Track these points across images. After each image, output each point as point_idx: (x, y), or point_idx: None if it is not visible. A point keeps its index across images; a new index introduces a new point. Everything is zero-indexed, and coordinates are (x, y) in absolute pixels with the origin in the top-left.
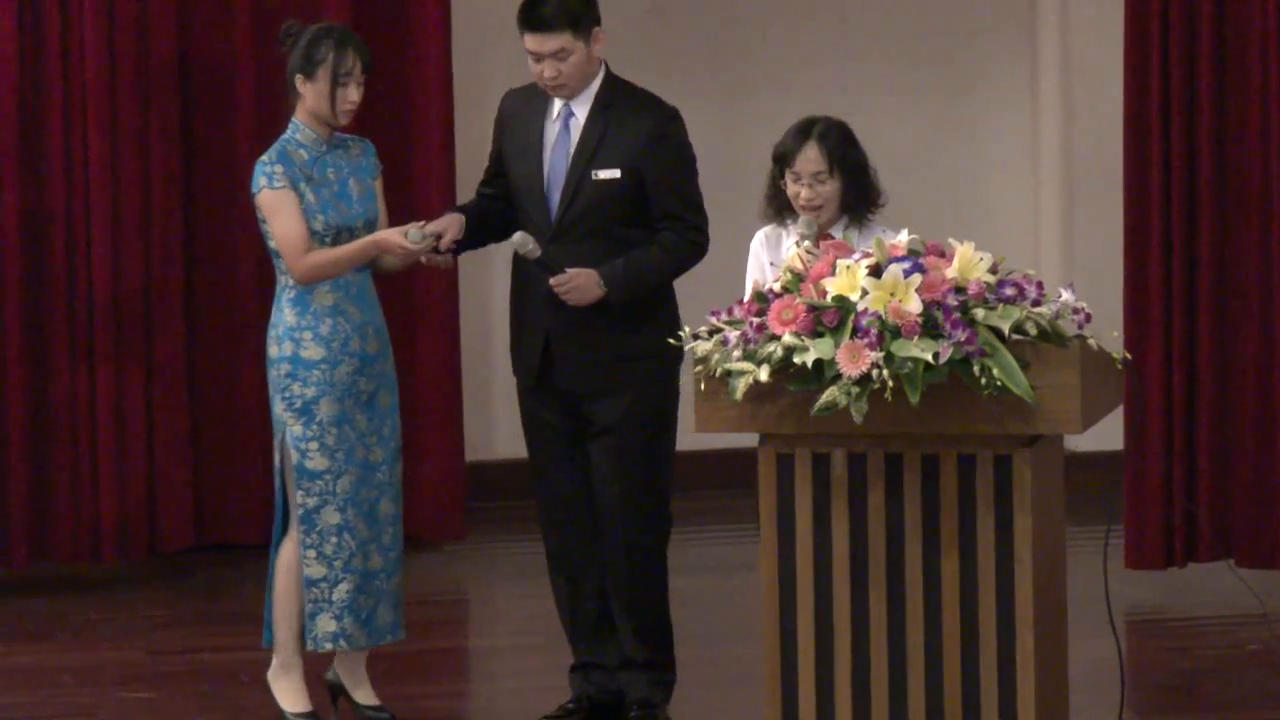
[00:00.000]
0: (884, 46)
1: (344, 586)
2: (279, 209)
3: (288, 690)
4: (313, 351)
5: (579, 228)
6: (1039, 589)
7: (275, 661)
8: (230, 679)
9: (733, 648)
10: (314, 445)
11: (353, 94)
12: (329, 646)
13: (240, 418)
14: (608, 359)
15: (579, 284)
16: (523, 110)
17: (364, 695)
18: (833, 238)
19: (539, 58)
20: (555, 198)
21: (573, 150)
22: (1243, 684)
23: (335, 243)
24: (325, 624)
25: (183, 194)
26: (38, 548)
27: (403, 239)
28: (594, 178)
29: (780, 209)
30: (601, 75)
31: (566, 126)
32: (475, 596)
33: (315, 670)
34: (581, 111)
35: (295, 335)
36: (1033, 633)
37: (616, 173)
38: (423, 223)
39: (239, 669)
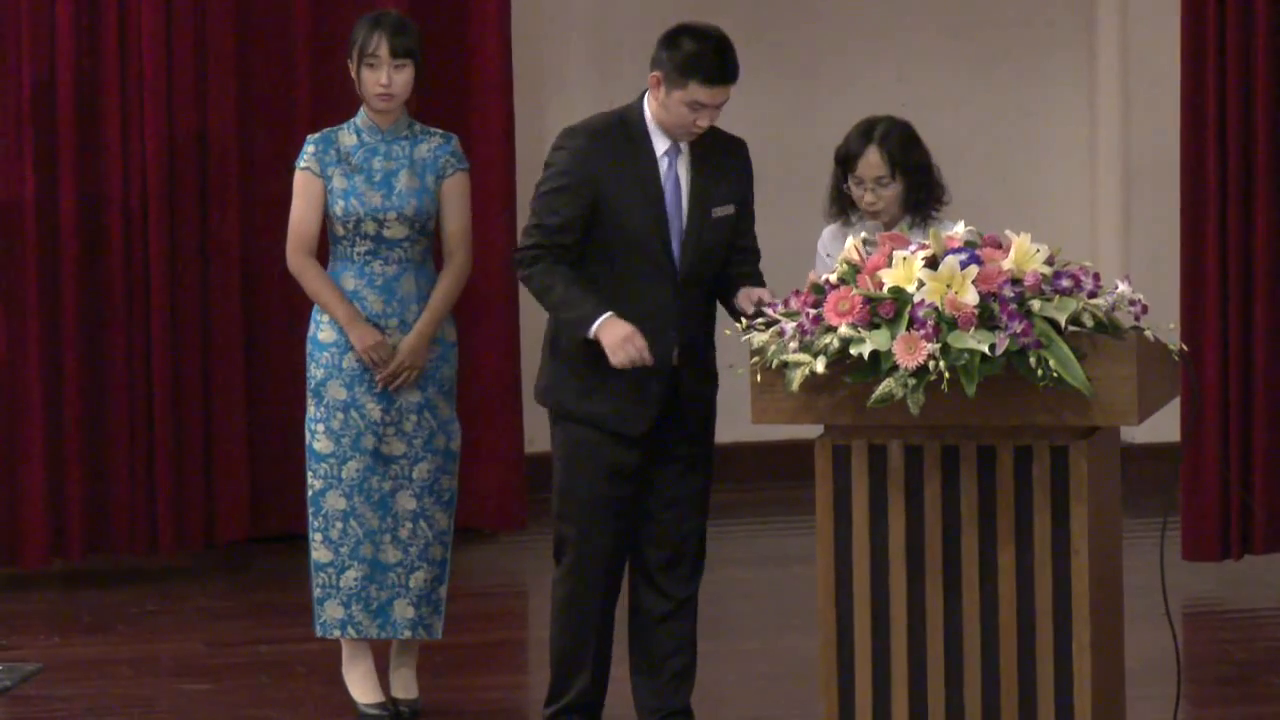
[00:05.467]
0: (941, 34)
1: (351, 574)
2: (296, 191)
3: (357, 681)
4: (327, 334)
5: (702, 270)
6: (1095, 580)
7: (345, 653)
8: (288, 670)
9: (789, 639)
10: (321, 428)
11: (381, 77)
12: (336, 634)
13: (297, 407)
14: (711, 389)
15: None
16: (621, 153)
17: (400, 687)
18: None
19: (700, 107)
20: (677, 241)
21: (688, 190)
22: None
23: (355, 229)
24: (333, 610)
25: (240, 184)
26: (95, 540)
27: (369, 347)
28: (713, 216)
29: (844, 209)
30: None
31: (673, 166)
32: (534, 588)
33: (385, 661)
34: (685, 149)
35: (317, 316)
36: (1089, 624)
37: (731, 209)
38: None
39: (296, 660)
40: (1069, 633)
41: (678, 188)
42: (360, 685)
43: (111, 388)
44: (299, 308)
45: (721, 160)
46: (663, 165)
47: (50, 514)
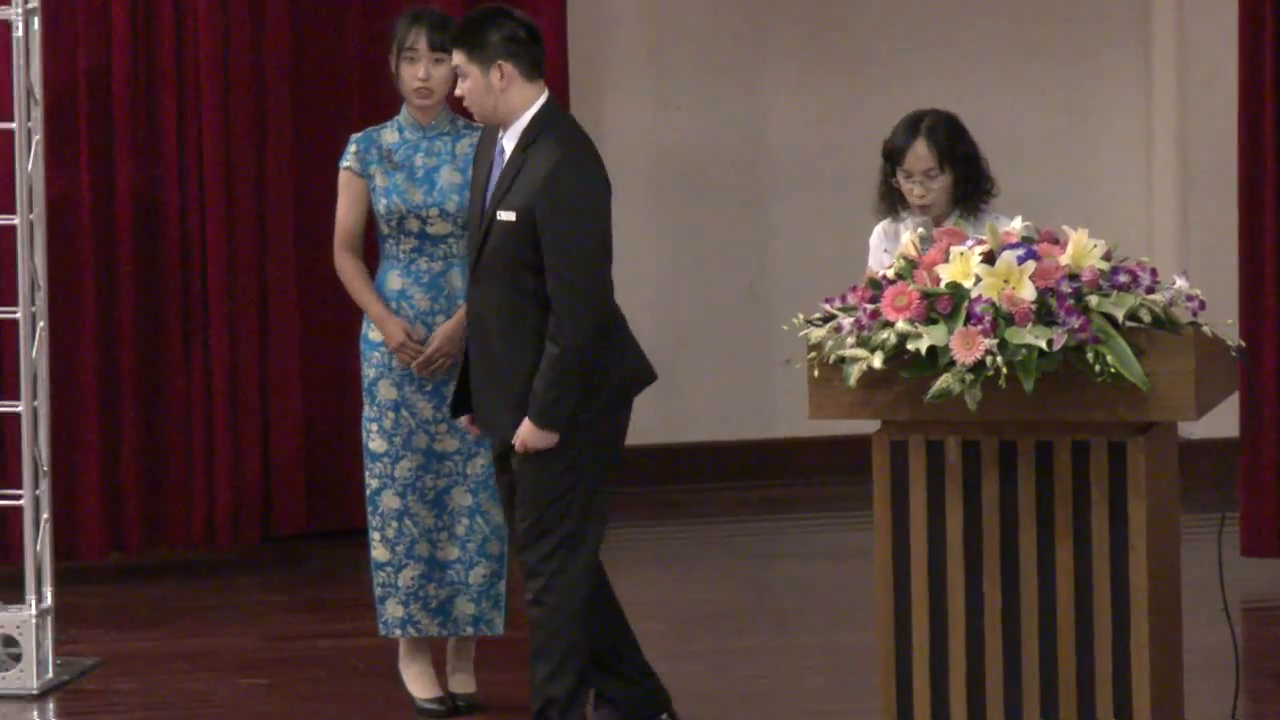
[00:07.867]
0: (995, 28)
1: (408, 572)
2: (341, 190)
3: (415, 677)
4: (377, 334)
5: (489, 270)
6: (1153, 576)
7: (402, 648)
8: (345, 665)
9: (847, 634)
10: (374, 427)
11: (419, 71)
12: (397, 633)
13: (353, 402)
14: (512, 401)
15: (528, 441)
16: (486, 145)
17: (458, 683)
18: None
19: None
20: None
21: (494, 186)
22: None
23: (399, 227)
24: (393, 609)
25: (295, 180)
26: (152, 533)
27: (398, 345)
28: (498, 218)
29: (893, 204)
30: (534, 110)
31: (499, 161)
32: None
33: (443, 656)
34: (510, 147)
35: (366, 317)
36: (1147, 620)
37: (512, 215)
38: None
39: (353, 655)
40: (1127, 628)
41: (492, 183)
42: (418, 680)
43: (168, 381)
44: (352, 304)
45: (529, 166)
46: (499, 161)
47: (108, 508)
